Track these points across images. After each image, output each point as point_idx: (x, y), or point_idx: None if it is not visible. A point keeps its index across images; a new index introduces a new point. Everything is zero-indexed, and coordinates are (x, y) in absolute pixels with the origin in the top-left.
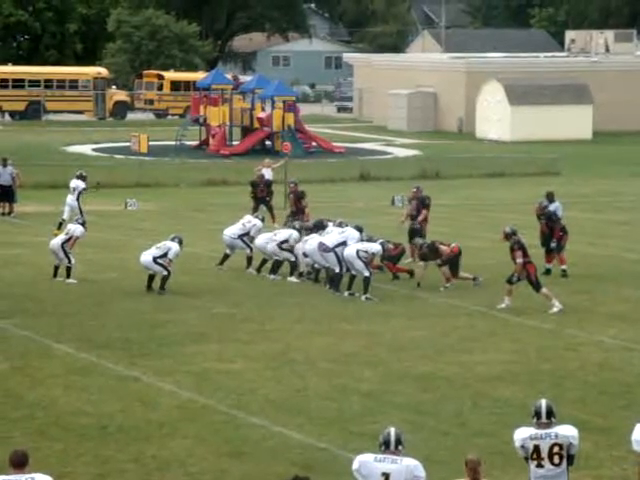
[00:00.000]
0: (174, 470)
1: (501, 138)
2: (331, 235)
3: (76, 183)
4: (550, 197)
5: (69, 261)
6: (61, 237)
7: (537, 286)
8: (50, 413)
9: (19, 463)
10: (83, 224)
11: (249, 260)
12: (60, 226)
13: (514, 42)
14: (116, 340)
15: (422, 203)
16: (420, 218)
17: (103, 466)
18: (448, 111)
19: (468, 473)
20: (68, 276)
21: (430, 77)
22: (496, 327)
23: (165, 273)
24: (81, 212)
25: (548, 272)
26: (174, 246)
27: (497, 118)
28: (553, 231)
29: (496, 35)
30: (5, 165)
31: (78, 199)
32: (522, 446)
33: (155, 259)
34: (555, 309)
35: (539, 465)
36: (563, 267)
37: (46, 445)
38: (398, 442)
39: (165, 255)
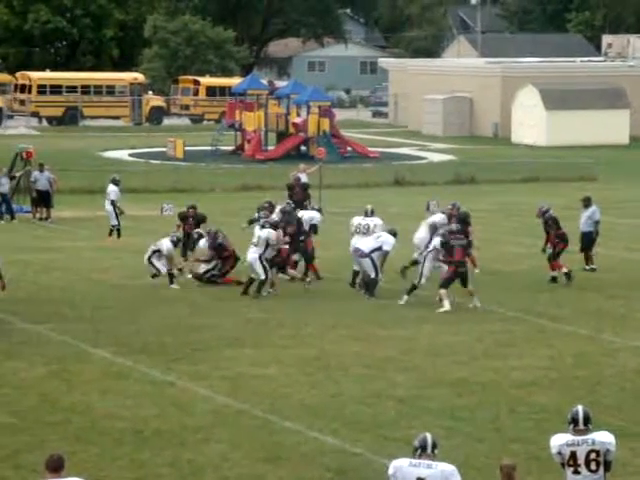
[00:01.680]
0: (209, 475)
1: (537, 143)
2: (367, 240)
3: (110, 188)
4: (587, 202)
5: (157, 270)
6: (150, 249)
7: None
8: (86, 417)
9: (55, 467)
10: (118, 230)
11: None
12: (111, 233)
13: (550, 47)
14: (152, 345)
15: (464, 222)
16: (471, 238)
17: (139, 470)
18: (483, 116)
19: (503, 478)
20: (171, 282)
21: (465, 82)
22: (532, 333)
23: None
24: (117, 217)
25: (554, 280)
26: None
27: (533, 123)
28: (548, 236)
29: (532, 40)
30: (42, 170)
31: (113, 204)
32: (559, 452)
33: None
34: None
35: (576, 472)
36: (553, 274)
37: (82, 449)
38: (434, 446)
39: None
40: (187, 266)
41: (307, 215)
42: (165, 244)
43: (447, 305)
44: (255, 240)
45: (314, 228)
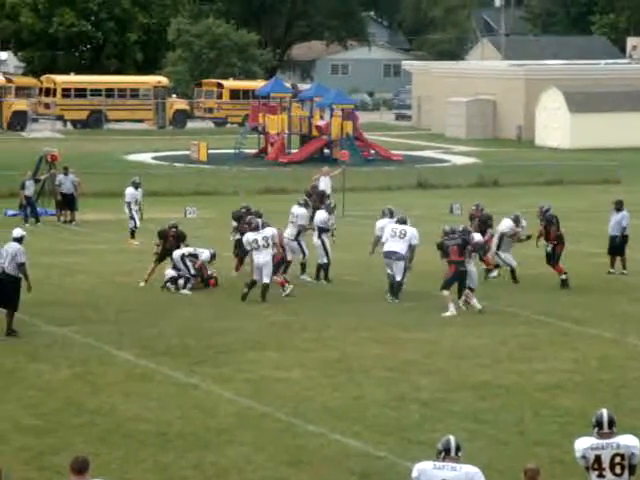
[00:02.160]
0: (232, 477)
1: (560, 146)
2: (399, 242)
3: (126, 190)
4: (618, 206)
5: (189, 272)
6: (185, 250)
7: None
8: (111, 420)
9: (80, 469)
10: (132, 232)
11: (303, 266)
12: (133, 234)
13: (574, 49)
14: (175, 347)
15: (484, 224)
16: (486, 238)
17: (163, 473)
18: (507, 119)
19: None
20: (184, 287)
21: (489, 85)
22: (556, 336)
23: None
24: (133, 220)
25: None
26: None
27: (556, 126)
28: (549, 235)
29: (556, 42)
30: (67, 173)
31: (129, 206)
32: (583, 456)
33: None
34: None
35: (600, 475)
36: (563, 277)
37: (106, 451)
38: (458, 448)
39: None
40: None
41: (317, 217)
42: (205, 254)
43: (452, 309)
44: (262, 242)
45: (322, 229)
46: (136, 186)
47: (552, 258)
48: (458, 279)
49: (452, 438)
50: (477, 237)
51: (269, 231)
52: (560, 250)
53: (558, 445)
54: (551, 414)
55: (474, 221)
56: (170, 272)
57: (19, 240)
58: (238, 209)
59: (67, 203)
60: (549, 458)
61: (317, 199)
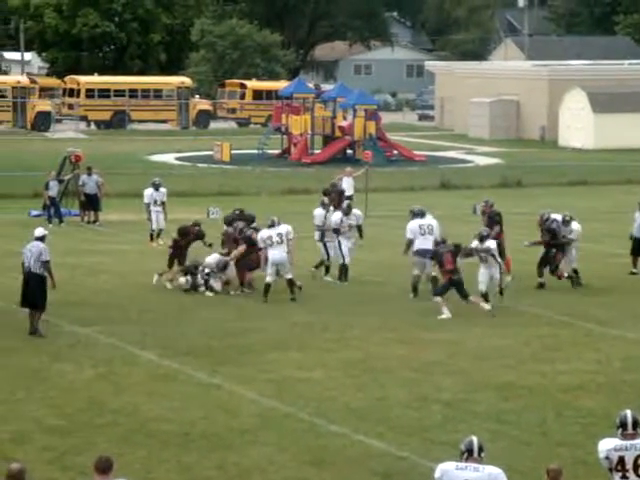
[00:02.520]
0: (255, 477)
1: (584, 146)
2: (429, 238)
3: (147, 191)
4: None
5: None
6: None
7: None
8: (134, 420)
9: (104, 469)
10: (151, 236)
11: (327, 268)
12: (152, 237)
13: (598, 49)
14: (198, 348)
15: (493, 220)
16: (493, 234)
17: (186, 473)
18: (530, 119)
19: None
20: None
21: (512, 85)
22: (579, 336)
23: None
24: (150, 222)
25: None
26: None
27: (580, 126)
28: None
29: (580, 42)
30: (90, 174)
31: (148, 208)
32: (606, 457)
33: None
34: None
35: (624, 477)
36: (566, 275)
37: (130, 451)
38: (481, 449)
39: None
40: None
41: (332, 217)
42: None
43: (446, 312)
44: (277, 239)
45: (337, 231)
46: (156, 187)
47: (550, 265)
48: (453, 287)
49: (475, 439)
50: (489, 243)
51: (284, 228)
52: (559, 258)
53: (581, 446)
54: (574, 415)
55: (484, 217)
56: (183, 280)
57: (41, 239)
58: (231, 212)
59: (90, 203)
60: (572, 459)
61: (336, 197)
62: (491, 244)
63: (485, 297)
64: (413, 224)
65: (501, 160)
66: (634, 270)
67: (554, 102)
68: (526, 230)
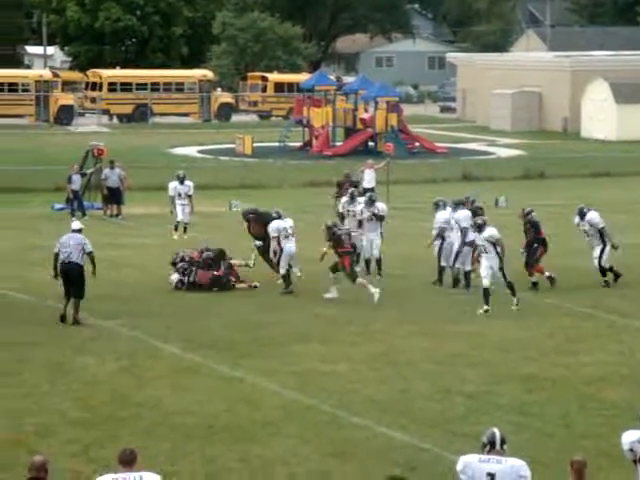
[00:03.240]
0: (278, 470)
1: (607, 137)
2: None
3: (171, 184)
4: None
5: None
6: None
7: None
8: (157, 412)
9: (127, 461)
10: (176, 227)
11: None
12: (176, 228)
13: (621, 40)
14: (220, 340)
15: (474, 213)
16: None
17: (209, 465)
18: (552, 111)
19: (573, 475)
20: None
21: (534, 76)
22: (601, 328)
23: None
24: (175, 214)
25: (535, 285)
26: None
27: (603, 117)
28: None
29: (602, 33)
30: (113, 167)
31: (173, 200)
32: (630, 449)
33: None
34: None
35: None
36: (533, 279)
37: (153, 444)
38: (503, 441)
39: None
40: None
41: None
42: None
43: (334, 292)
44: (290, 231)
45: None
46: (181, 180)
47: (531, 262)
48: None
49: (497, 431)
50: (489, 231)
51: (290, 220)
52: (541, 254)
53: (605, 438)
54: (597, 407)
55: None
56: (175, 276)
57: (79, 231)
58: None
59: (113, 197)
60: (595, 451)
61: (348, 188)
62: (492, 232)
63: (487, 294)
64: (443, 215)
65: (523, 152)
66: None
67: (576, 93)
68: (551, 222)
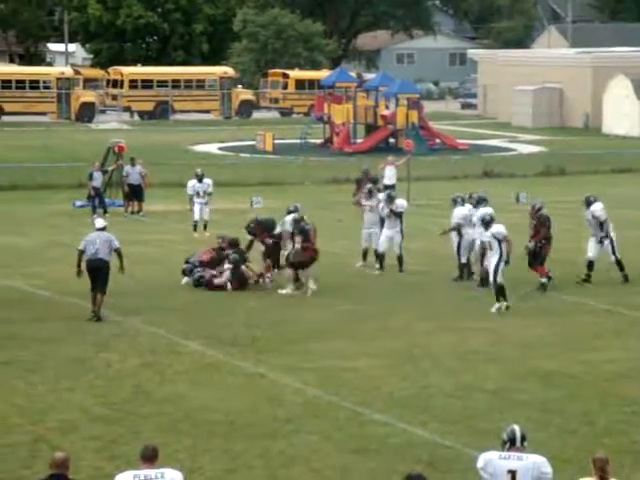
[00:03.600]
0: (299, 466)
1: (629, 133)
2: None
3: (189, 183)
4: None
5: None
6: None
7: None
8: (179, 409)
9: (149, 457)
10: (194, 226)
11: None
12: (195, 228)
13: None
14: (242, 337)
15: (539, 222)
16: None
17: (231, 462)
18: (574, 107)
19: (596, 472)
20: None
21: (556, 73)
22: (623, 325)
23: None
24: (192, 212)
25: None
26: None
27: (624, 113)
28: (537, 234)
29: (624, 29)
30: (134, 164)
31: (191, 199)
32: None
33: None
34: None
35: None
36: (543, 280)
37: (175, 440)
38: (523, 438)
39: None
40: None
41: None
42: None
43: (291, 289)
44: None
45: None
46: (199, 179)
47: (536, 259)
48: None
49: (517, 428)
50: (497, 227)
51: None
52: (546, 252)
53: (627, 435)
54: (618, 403)
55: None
56: (185, 279)
57: (103, 229)
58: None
59: (134, 194)
60: (617, 447)
61: (366, 185)
62: (500, 228)
63: (502, 290)
64: (462, 211)
65: (544, 148)
66: None
67: (598, 89)
68: (572, 218)
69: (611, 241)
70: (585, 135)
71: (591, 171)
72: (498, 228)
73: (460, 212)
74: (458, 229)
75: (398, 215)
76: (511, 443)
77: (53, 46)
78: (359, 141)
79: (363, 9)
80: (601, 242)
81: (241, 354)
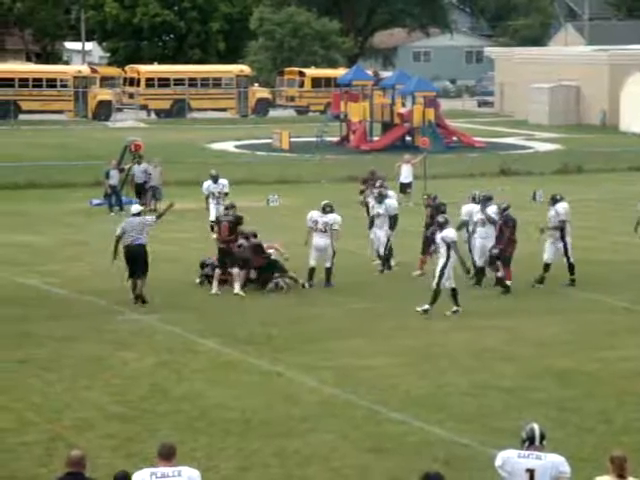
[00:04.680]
0: (315, 465)
1: None
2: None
3: (205, 184)
4: None
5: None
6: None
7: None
8: (195, 407)
9: (167, 455)
10: (212, 227)
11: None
12: (212, 228)
13: None
14: (258, 335)
15: (437, 210)
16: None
17: (247, 460)
18: (591, 104)
19: (614, 470)
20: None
21: (573, 70)
22: (638, 322)
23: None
24: (208, 212)
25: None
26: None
27: None
28: (501, 237)
29: None
30: (140, 163)
31: (207, 200)
32: None
33: None
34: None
35: None
36: (508, 283)
37: (192, 439)
38: (542, 437)
39: None
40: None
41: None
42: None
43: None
44: (321, 226)
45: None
46: (214, 179)
47: (500, 261)
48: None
49: (536, 427)
50: (446, 232)
51: (331, 217)
52: (511, 253)
53: None
54: (636, 402)
55: (427, 209)
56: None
57: (138, 214)
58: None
59: (138, 192)
60: (636, 446)
61: (372, 185)
62: (450, 233)
63: (435, 294)
64: (469, 207)
65: (561, 146)
66: None
67: (615, 87)
68: (589, 216)
69: (565, 244)
70: (602, 133)
71: (608, 169)
72: (448, 232)
73: (466, 209)
74: (465, 225)
75: (392, 217)
76: (530, 442)
77: (70, 45)
78: (375, 139)
79: (379, 7)
80: (555, 243)
81: (257, 352)
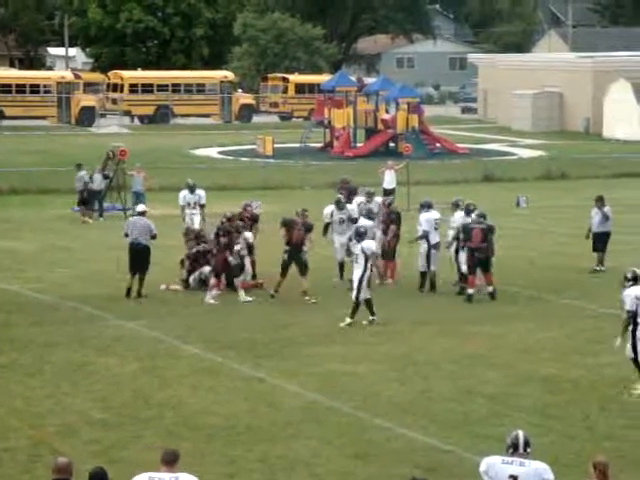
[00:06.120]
0: (299, 471)
1: (629, 138)
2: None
3: (181, 193)
4: None
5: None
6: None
7: None
8: (178, 413)
9: (170, 461)
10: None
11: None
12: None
13: None
14: (241, 341)
15: (390, 218)
16: (389, 236)
17: (230, 466)
18: (574, 111)
19: (597, 476)
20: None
21: (556, 77)
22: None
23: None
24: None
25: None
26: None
27: (625, 117)
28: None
29: (624, 33)
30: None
31: (183, 210)
32: None
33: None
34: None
35: None
36: (490, 288)
37: (175, 445)
38: (527, 444)
39: None
40: None
41: (324, 211)
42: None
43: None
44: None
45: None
46: (191, 189)
47: (480, 266)
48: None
49: (521, 433)
50: (366, 243)
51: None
52: (393, 247)
53: (627, 439)
54: (619, 408)
55: (378, 216)
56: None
57: (143, 214)
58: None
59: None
60: (617, 452)
61: (346, 195)
62: (370, 244)
63: (356, 306)
64: (459, 215)
65: (545, 152)
66: (596, 268)
67: (598, 94)
68: (574, 222)
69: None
70: (585, 139)
71: (592, 175)
72: (368, 244)
73: (459, 216)
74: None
75: (354, 221)
76: (514, 449)
77: (53, 50)
78: (359, 145)
79: (363, 13)
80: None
81: (240, 358)
